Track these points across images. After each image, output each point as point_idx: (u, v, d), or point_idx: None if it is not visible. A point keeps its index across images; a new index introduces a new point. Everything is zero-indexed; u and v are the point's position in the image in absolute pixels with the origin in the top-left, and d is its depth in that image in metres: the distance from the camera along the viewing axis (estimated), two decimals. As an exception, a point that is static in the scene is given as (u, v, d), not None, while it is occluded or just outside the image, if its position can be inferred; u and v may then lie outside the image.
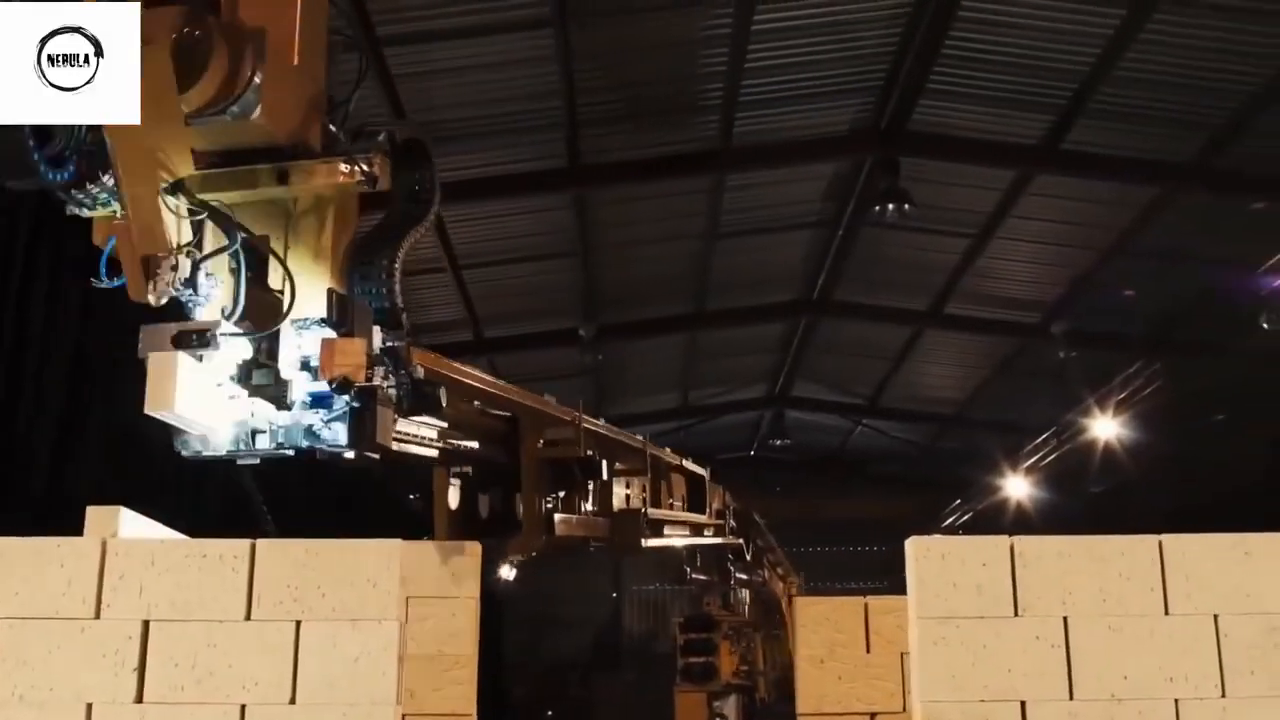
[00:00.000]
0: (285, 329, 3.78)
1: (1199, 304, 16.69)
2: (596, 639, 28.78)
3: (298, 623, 3.89)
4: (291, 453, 3.78)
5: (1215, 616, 3.88)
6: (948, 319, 19.82)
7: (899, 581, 12.29)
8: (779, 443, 25.32)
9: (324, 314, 3.83)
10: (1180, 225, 15.41)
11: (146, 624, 3.94)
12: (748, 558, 12.84)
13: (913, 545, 3.92)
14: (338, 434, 3.74)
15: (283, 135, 3.78)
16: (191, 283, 3.57)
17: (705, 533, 10.73)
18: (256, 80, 3.55)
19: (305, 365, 3.80)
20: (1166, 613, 3.88)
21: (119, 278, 3.55)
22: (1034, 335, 19.45)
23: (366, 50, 11.46)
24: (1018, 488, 21.98)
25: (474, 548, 5.57)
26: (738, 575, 13.46)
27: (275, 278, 3.87)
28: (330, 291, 3.84)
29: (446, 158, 13.99)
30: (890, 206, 14.73)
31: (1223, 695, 3.80)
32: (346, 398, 3.72)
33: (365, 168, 3.88)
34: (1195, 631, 3.87)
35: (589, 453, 6.69)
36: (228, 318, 3.66)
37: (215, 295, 3.64)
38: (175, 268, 3.51)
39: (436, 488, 5.76)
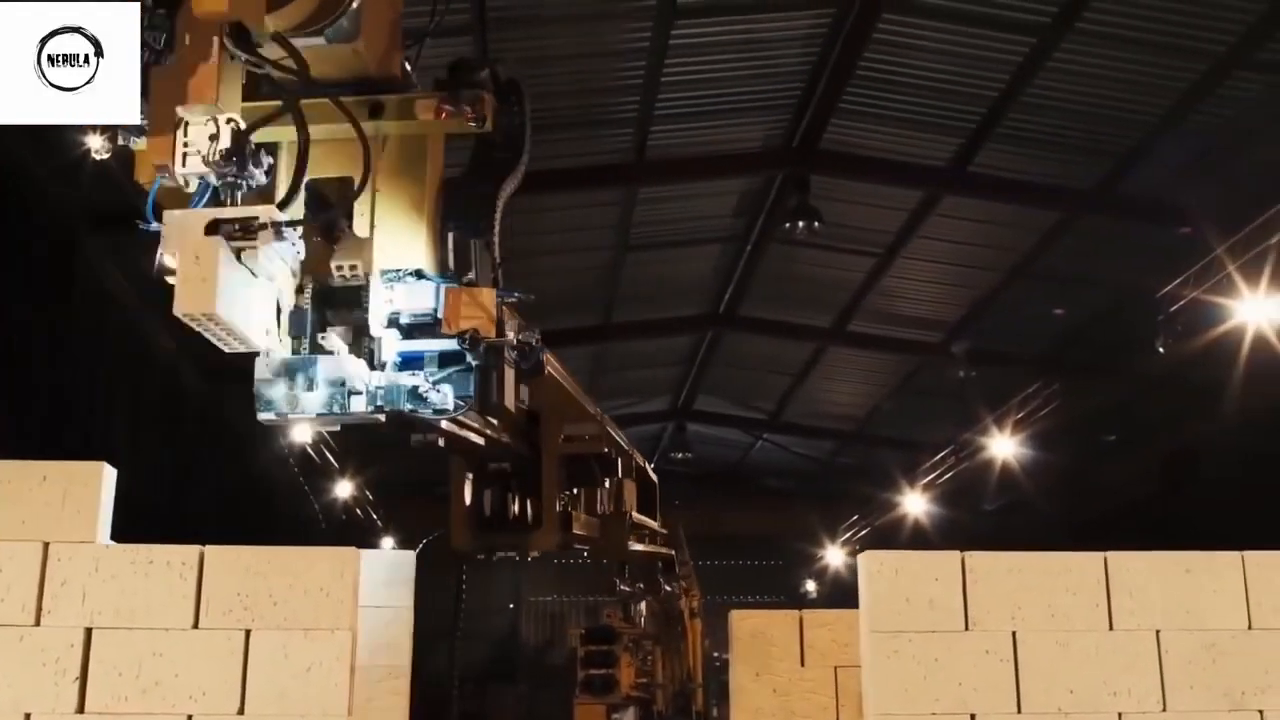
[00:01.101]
0: (374, 282, 3.46)
1: (1097, 326, 17.09)
2: (494, 650, 28.60)
3: (247, 631, 3.80)
4: (383, 418, 3.45)
5: (1157, 632, 3.98)
6: (851, 336, 20.07)
7: (795, 595, 12.43)
8: (680, 455, 25.40)
9: (418, 265, 3.50)
10: (1080, 249, 15.80)
11: (89, 631, 3.82)
12: (676, 569, 12.88)
13: (866, 560, 3.95)
14: (445, 397, 3.45)
15: (373, 66, 3.46)
16: (237, 156, 3.15)
17: (648, 541, 10.77)
18: (354, 4, 3.26)
19: (394, 322, 3.52)
20: (1111, 628, 3.97)
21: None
22: (935, 354, 19.78)
23: None
24: (916, 504, 22.29)
25: (409, 556, 5.50)
26: (666, 587, 13.48)
27: (361, 223, 3.54)
28: (451, 235, 3.51)
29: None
30: (800, 224, 14.89)
31: (1164, 709, 3.89)
32: (463, 356, 3.42)
33: (472, 107, 3.52)
34: (1138, 647, 3.96)
35: (607, 450, 6.51)
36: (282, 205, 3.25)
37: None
38: (215, 136, 3.13)
39: (454, 483, 5.55)
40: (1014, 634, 3.92)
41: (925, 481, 21.80)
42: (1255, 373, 13.21)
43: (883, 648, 3.85)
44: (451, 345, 3.55)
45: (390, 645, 5.22)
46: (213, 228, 3.07)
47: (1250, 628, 4.01)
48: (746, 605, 15.99)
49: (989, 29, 12.30)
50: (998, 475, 19.06)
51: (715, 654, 19.31)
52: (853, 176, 15.33)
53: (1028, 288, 17.04)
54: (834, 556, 26.66)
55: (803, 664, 5.39)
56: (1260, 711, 3.94)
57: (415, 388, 3.47)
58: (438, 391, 3.45)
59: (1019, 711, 3.82)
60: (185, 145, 3.14)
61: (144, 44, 3.03)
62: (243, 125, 3.20)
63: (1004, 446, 18.43)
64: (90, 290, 13.14)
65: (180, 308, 3.04)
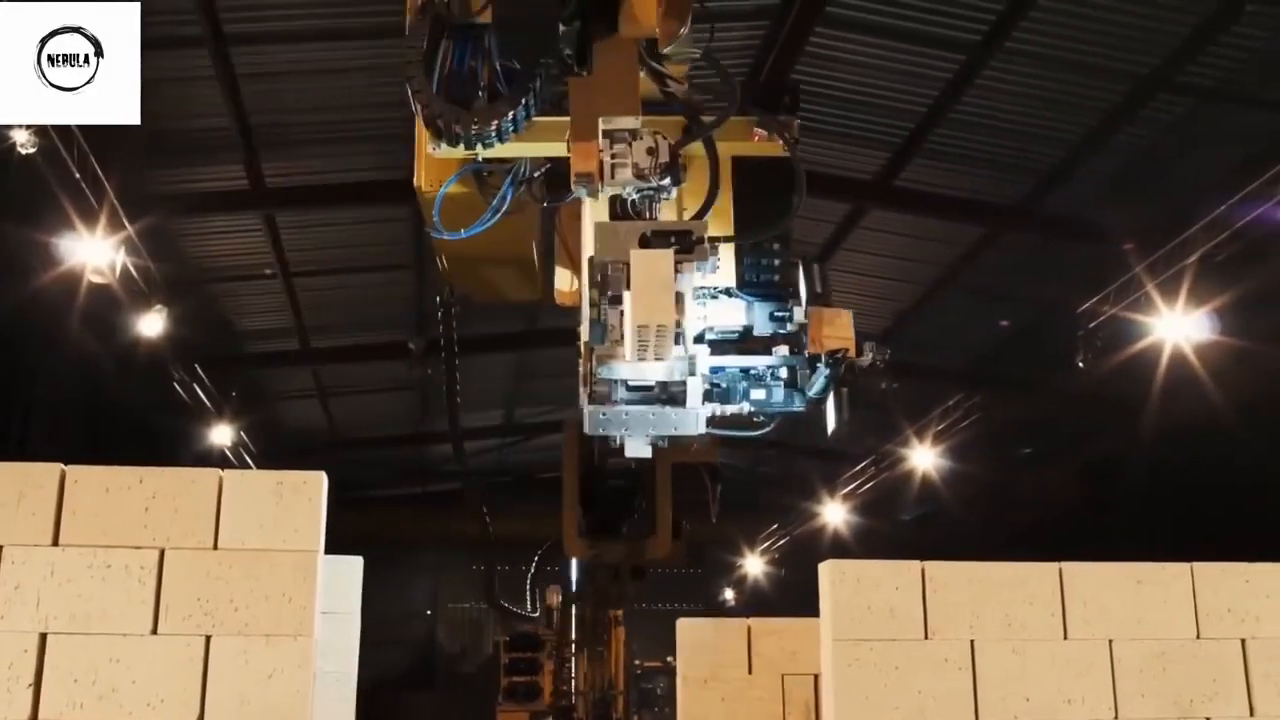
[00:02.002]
0: (688, 298, 3.46)
1: (1018, 341, 17.36)
2: (410, 657, 28.36)
3: (207, 637, 3.74)
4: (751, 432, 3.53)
5: (1110, 642, 4.06)
6: (775, 346, 20.16)
7: (714, 603, 12.46)
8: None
9: (727, 282, 3.58)
10: (1003, 264, 16.04)
11: (44, 637, 3.73)
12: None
13: (828, 569, 3.99)
14: (787, 403, 3.53)
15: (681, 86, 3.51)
16: (671, 170, 3.22)
17: None
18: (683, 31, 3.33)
19: (701, 338, 3.58)
20: (1066, 638, 4.05)
21: (462, 229, 3.27)
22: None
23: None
24: (836, 514, 22.46)
25: (357, 561, 5.45)
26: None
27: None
28: (805, 259, 3.62)
29: (287, 162, 13.76)
30: (732, 233, 14.97)
31: (1116, 716, 3.98)
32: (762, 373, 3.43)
33: (782, 131, 3.57)
34: (1091, 656, 4.05)
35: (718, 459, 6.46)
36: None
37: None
38: (654, 150, 3.21)
39: (567, 492, 5.54)
40: (972, 643, 3.98)
41: (845, 491, 21.99)
42: (1172, 388, 13.52)
43: (844, 656, 3.89)
44: (755, 361, 3.68)
45: (337, 650, 5.17)
46: (648, 240, 3.22)
47: (1198, 637, 4.11)
48: (663, 613, 16.05)
49: (919, 45, 12.45)
50: (918, 486, 19.29)
51: (636, 662, 19.37)
52: (781, 188, 15.42)
53: (951, 301, 17.26)
54: (753, 565, 26.78)
55: (750, 672, 5.43)
56: (1207, 718, 4.04)
57: (793, 398, 3.62)
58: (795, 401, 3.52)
59: (977, 718, 3.88)
60: (614, 157, 3.18)
61: (562, 59, 3.09)
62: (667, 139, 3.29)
63: (924, 457, 18.67)
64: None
65: (641, 317, 3.18)
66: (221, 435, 17.98)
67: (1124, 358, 14.01)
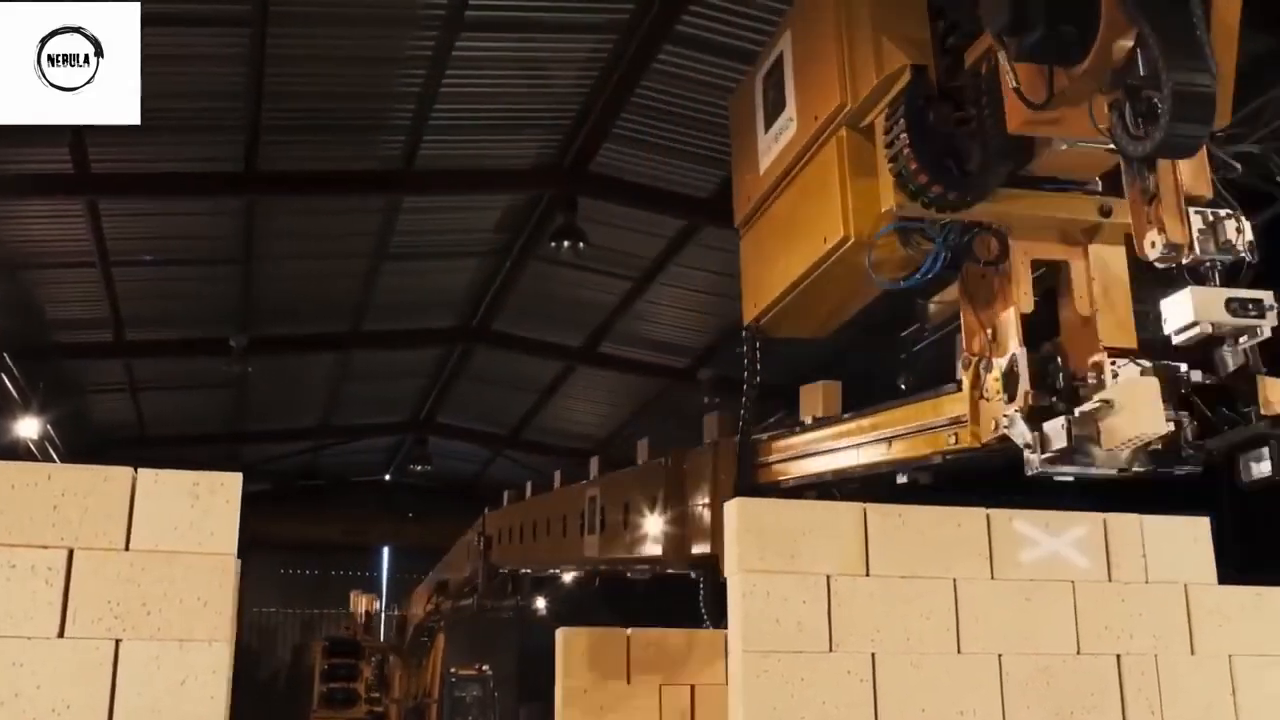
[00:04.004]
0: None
1: (841, 360, 17.81)
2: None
3: (117, 641, 3.61)
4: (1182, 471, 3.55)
5: (999, 656, 4.25)
6: (600, 357, 20.31)
7: (527, 611, 12.16)
8: (419, 468, 25.11)
9: (1130, 344, 3.62)
10: (831, 286, 16.45)
11: (-59, 639, 3.56)
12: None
13: (740, 581, 4.08)
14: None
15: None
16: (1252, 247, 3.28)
17: None
18: None
19: None
20: (959, 651, 4.23)
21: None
22: (682, 379, 20.21)
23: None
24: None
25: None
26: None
27: (1082, 303, 3.69)
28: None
29: (116, 148, 13.28)
30: (565, 243, 15.03)
31: (1004, 727, 4.18)
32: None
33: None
34: (982, 669, 4.23)
35: None
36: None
37: None
38: (1240, 227, 3.27)
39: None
40: (873, 655, 4.12)
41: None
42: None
43: (754, 667, 3.99)
44: None
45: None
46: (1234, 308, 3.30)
47: (1079, 652, 4.34)
48: (481, 622, 16.02)
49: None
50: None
51: (451, 669, 19.22)
52: (619, 201, 15.52)
53: (776, 319, 17.63)
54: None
55: (629, 681, 5.49)
56: (1085, 729, 4.28)
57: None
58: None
59: (877, 728, 4.03)
60: (1200, 232, 3.24)
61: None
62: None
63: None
64: None
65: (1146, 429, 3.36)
66: (29, 428, 17.21)
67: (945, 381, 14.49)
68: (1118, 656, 4.39)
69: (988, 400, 3.80)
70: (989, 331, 3.84)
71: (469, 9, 11.84)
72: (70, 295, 16.49)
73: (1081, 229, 3.77)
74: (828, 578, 4.15)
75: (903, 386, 15.08)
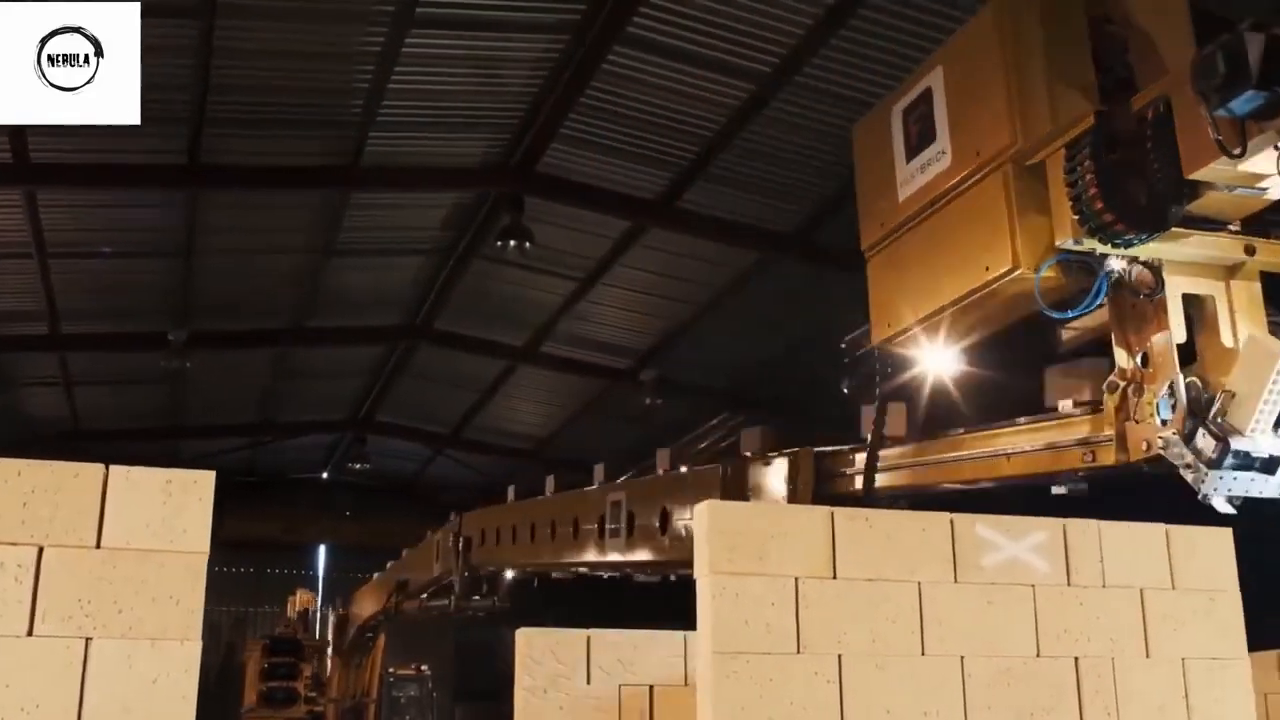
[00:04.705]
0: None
1: (784, 364, 17.93)
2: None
3: (88, 640, 3.57)
4: None
5: (962, 658, 4.32)
6: (542, 357, 20.30)
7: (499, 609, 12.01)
8: (357, 466, 24.96)
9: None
10: (775, 290, 16.58)
11: (-93, 637, 3.50)
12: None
13: (709, 583, 4.11)
14: None
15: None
16: None
17: None
18: None
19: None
20: (923, 653, 4.29)
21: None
22: (623, 380, 20.25)
23: None
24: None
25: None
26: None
27: (1226, 334, 3.96)
28: None
29: (56, 137, 13.09)
30: (512, 243, 15.02)
31: (965, 728, 4.25)
32: None
33: None
34: (945, 670, 4.30)
35: None
36: None
37: None
38: None
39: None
40: (839, 657, 4.17)
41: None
42: (932, 417, 14.19)
43: (723, 668, 4.03)
44: None
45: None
46: None
47: (1038, 655, 4.43)
48: (418, 621, 15.95)
49: (713, 71, 12.73)
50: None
51: (389, 669, 19.12)
52: (565, 201, 15.52)
53: (720, 322, 17.73)
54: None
55: (589, 681, 5.52)
56: (1044, 731, 4.36)
57: None
58: None
59: (843, 729, 4.09)
60: None
61: None
62: None
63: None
64: None
65: None
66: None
67: (888, 386, 14.63)
68: (1076, 659, 4.48)
69: (1137, 422, 4.09)
70: (1138, 358, 4.12)
71: (420, 6, 11.80)
72: (5, 287, 16.23)
73: (1226, 266, 4.06)
74: (796, 580, 4.20)
75: (845, 391, 15.30)
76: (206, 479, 3.78)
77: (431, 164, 15.03)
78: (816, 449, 6.01)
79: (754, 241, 15.81)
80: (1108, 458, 4.26)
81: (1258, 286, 4.10)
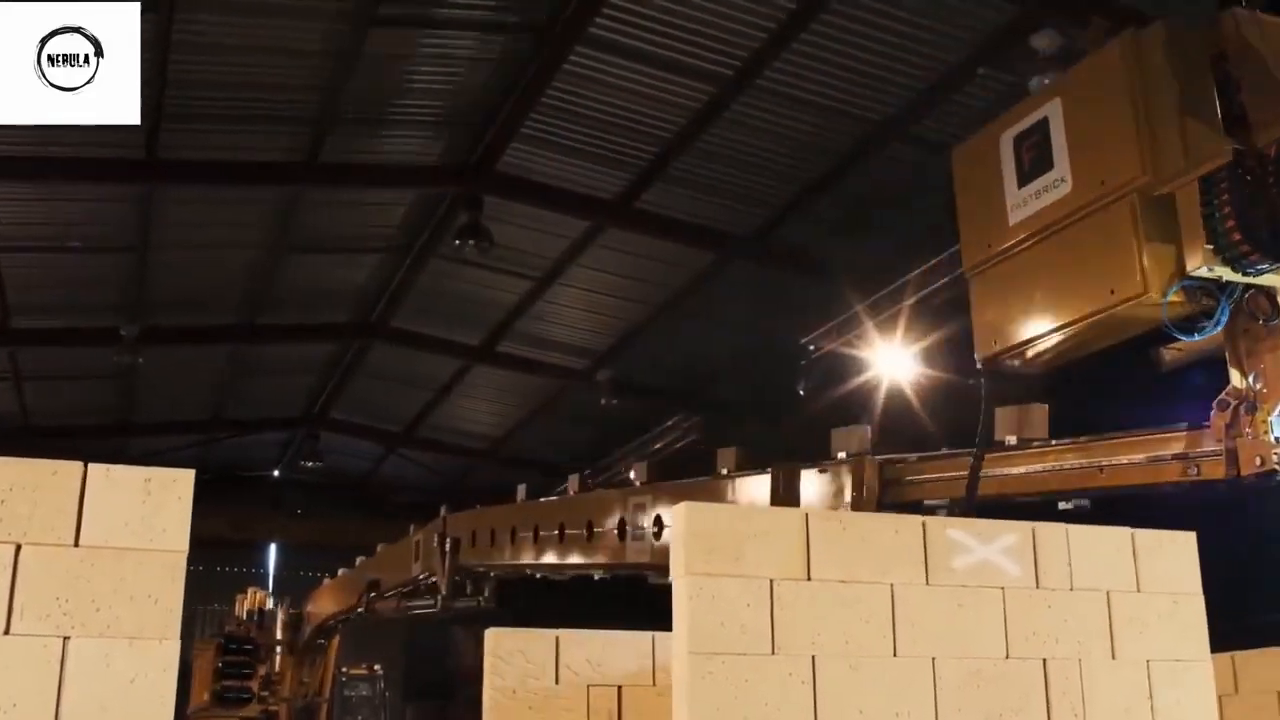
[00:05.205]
0: None
1: (740, 366, 18.01)
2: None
3: (65, 639, 3.53)
4: None
5: (933, 659, 4.37)
6: (498, 356, 20.27)
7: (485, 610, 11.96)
8: (310, 464, 24.79)
9: None
10: (731, 292, 16.65)
11: (-122, 635, 3.45)
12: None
13: (685, 584, 4.13)
14: None
15: None
16: None
17: None
18: None
19: None
20: (895, 655, 4.33)
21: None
22: (579, 380, 20.25)
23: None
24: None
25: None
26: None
27: None
28: None
29: (4, 129, 12.91)
30: (470, 242, 15.00)
31: (936, 729, 4.30)
32: None
33: None
34: (917, 672, 4.34)
35: None
36: None
37: None
38: None
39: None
40: (813, 658, 4.20)
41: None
42: (888, 417, 14.32)
43: (699, 669, 4.05)
44: None
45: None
46: None
47: (1007, 657, 4.48)
48: (371, 620, 15.83)
49: (674, 73, 12.79)
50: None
51: (342, 669, 18.98)
52: (524, 200, 15.52)
53: (676, 323, 17.78)
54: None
55: (557, 681, 5.54)
56: (1013, 731, 4.42)
57: None
58: None
59: (816, 730, 4.12)
60: None
61: None
62: None
63: (640, 475, 19.04)
64: None
65: None
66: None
67: (844, 390, 14.78)
68: (1044, 661, 4.53)
69: (1251, 439, 4.37)
70: (1252, 378, 4.41)
71: (382, 4, 11.78)
72: (-47, 282, 16.05)
73: None
74: (771, 582, 4.22)
75: (801, 392, 15.40)
76: (186, 477, 3.76)
77: (390, 162, 14.99)
78: (881, 456, 6.21)
79: (711, 243, 15.88)
80: (1215, 471, 4.58)
81: None
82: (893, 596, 4.39)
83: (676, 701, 4.13)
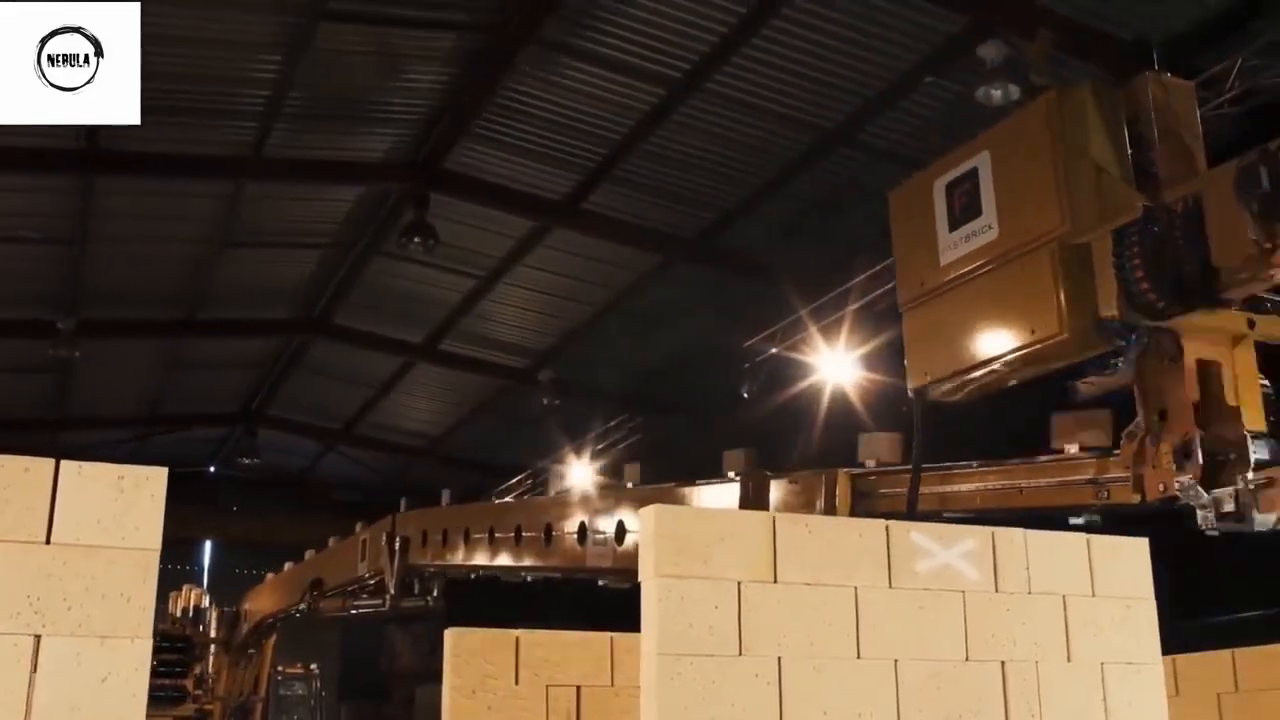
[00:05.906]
0: None
1: (684, 368, 18.04)
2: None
3: (37, 637, 3.49)
4: None
5: (895, 661, 4.43)
6: (441, 354, 20.20)
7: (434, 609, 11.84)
8: (247, 461, 24.52)
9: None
10: (675, 294, 16.71)
11: None
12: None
13: (655, 586, 4.16)
14: None
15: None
16: None
17: None
18: None
19: None
20: (859, 657, 4.39)
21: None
22: (521, 380, 20.22)
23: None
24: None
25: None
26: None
27: (1229, 395, 4.55)
28: None
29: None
30: (416, 239, 14.94)
31: (898, 730, 4.36)
32: None
33: None
34: (880, 674, 4.40)
35: None
36: None
37: None
38: None
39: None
40: (779, 660, 4.25)
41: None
42: (830, 421, 14.43)
43: (667, 670, 4.07)
44: None
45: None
46: None
47: (967, 659, 4.55)
48: (307, 619, 15.72)
49: (624, 75, 12.84)
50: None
51: (278, 668, 18.87)
52: (471, 199, 15.50)
53: (619, 324, 17.80)
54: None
55: (517, 682, 5.55)
56: (972, 733, 4.49)
57: None
58: None
59: (782, 730, 4.17)
60: None
61: None
62: None
63: (581, 474, 19.09)
64: None
65: None
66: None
67: (788, 393, 14.88)
68: (1002, 663, 4.61)
69: (1155, 468, 4.66)
70: (1157, 413, 4.67)
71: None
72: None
73: (1232, 336, 4.65)
74: (738, 584, 4.26)
75: (745, 396, 15.46)
76: (159, 475, 3.72)
77: (335, 158, 14.92)
78: (850, 470, 6.42)
79: (656, 245, 15.94)
80: (1123, 496, 4.90)
81: (1254, 355, 4.71)
82: (856, 599, 4.44)
83: (645, 702, 4.16)
